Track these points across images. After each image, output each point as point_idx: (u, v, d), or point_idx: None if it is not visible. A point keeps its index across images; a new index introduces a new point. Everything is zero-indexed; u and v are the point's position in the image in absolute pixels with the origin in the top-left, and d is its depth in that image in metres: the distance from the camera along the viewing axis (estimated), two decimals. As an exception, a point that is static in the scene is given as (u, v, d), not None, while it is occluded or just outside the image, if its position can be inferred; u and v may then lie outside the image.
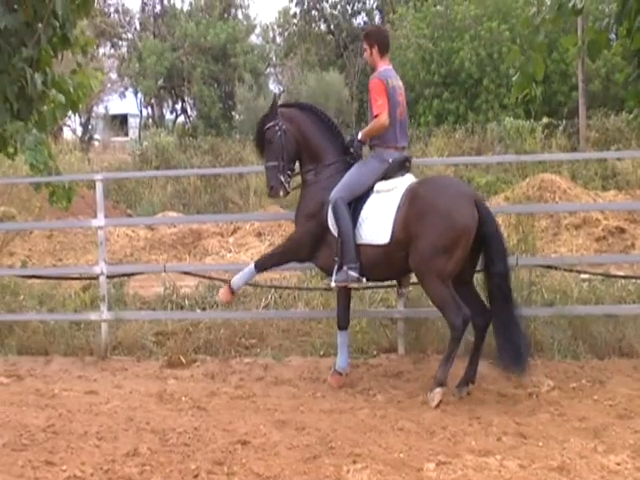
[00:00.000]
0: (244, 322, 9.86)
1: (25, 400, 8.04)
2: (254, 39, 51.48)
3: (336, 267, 7.81)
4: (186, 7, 52.01)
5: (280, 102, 9.06)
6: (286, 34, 53.53)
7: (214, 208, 24.02)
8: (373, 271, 7.87)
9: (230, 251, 16.07)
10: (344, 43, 49.76)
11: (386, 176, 7.95)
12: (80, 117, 47.01)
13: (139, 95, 54.28)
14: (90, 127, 50.18)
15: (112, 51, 56.34)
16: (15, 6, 11.10)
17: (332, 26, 51.44)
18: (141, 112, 55.52)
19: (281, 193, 8.21)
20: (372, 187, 7.92)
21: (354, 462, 6.04)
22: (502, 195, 19.28)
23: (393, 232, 7.61)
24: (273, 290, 10.74)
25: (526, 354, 7.57)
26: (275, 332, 9.92)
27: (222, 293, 8.32)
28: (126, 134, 56.82)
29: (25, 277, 11.38)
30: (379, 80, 7.97)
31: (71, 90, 12.49)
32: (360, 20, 51.16)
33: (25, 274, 11.49)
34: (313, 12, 51.83)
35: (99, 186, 9.78)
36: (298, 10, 51.23)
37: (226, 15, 50.00)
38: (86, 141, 45.81)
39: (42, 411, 7.66)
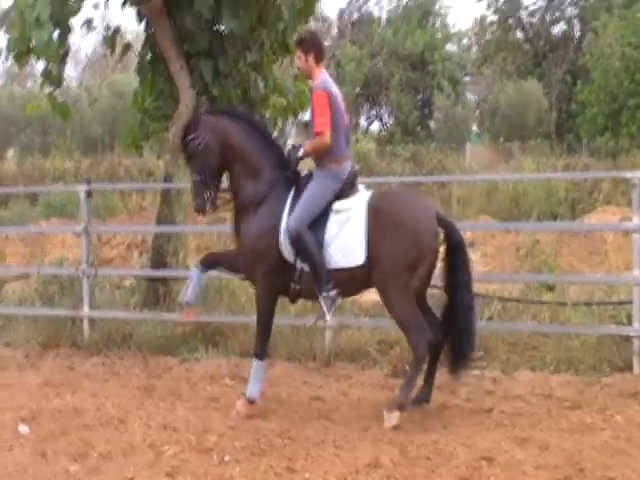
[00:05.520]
0: (468, 333, 9.61)
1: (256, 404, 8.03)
2: (449, 47, 51.01)
3: (320, 299, 7.44)
4: (384, 15, 52.12)
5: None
6: (482, 42, 52.94)
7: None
8: (343, 291, 7.55)
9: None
10: (542, 52, 48.78)
11: (341, 193, 7.55)
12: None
13: (336, 101, 54.73)
14: (284, 131, 50.84)
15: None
16: (240, 11, 11.27)
17: (530, 34, 50.52)
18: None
19: (207, 209, 7.70)
20: (329, 207, 7.49)
21: (609, 486, 5.72)
22: None
23: (368, 252, 7.27)
24: (495, 301, 10.45)
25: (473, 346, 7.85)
26: (501, 345, 9.64)
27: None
28: (320, 140, 57.28)
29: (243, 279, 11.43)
30: (323, 93, 7.48)
31: (290, 97, 12.62)
32: (559, 29, 50.00)
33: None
34: (510, 20, 51.03)
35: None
36: (495, 18, 50.55)
37: (424, 22, 49.68)
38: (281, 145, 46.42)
39: (274, 415, 7.65)
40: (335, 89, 7.67)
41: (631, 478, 5.87)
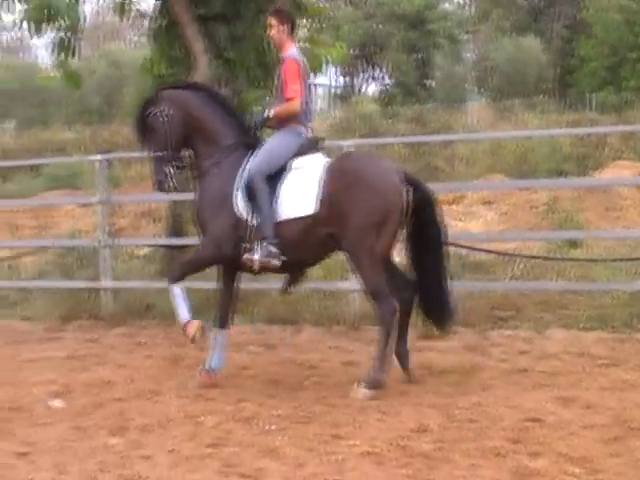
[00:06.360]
0: (496, 293, 9.49)
1: (288, 371, 7.91)
2: (443, 6, 50.55)
3: (256, 245, 7.20)
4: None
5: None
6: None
7: (421, 176, 23.66)
8: (293, 250, 7.25)
9: (460, 220, 15.59)
10: (539, 7, 48.44)
11: (300, 152, 7.42)
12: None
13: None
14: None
15: (304, 20, 56.66)
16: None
17: (526, -10, 50.18)
18: (331, 81, 55.69)
19: (167, 187, 7.57)
20: (287, 164, 7.36)
21: (665, 445, 5.59)
22: None
23: (319, 203, 7.09)
24: (519, 260, 10.34)
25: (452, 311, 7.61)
26: (531, 304, 9.53)
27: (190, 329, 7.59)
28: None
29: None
30: (295, 62, 7.45)
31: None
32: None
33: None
34: (506, -24, 50.64)
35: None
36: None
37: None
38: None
39: (308, 382, 7.56)
40: (305, 62, 7.68)
41: (684, 435, 5.76)
